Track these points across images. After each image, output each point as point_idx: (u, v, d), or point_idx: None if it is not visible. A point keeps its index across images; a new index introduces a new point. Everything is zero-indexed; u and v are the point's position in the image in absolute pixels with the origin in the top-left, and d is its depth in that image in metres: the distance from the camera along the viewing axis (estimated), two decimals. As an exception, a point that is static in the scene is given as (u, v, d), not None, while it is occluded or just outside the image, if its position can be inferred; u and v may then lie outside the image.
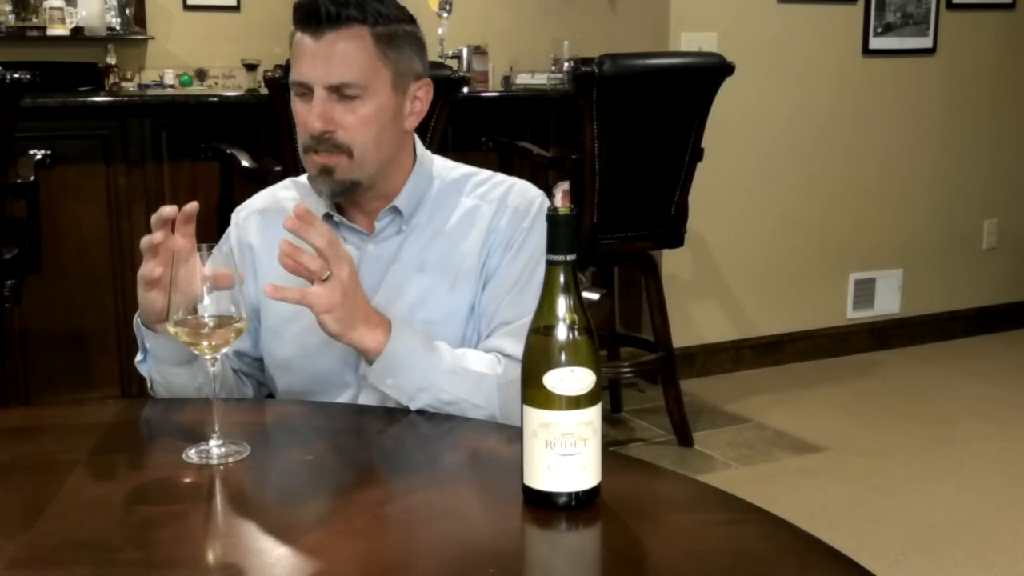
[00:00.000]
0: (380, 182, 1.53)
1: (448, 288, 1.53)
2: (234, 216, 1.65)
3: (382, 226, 1.56)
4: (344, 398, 1.52)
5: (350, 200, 1.55)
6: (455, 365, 1.42)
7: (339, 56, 1.44)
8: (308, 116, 1.46)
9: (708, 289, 4.14)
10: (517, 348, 1.43)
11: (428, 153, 1.62)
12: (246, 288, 1.54)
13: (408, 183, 1.56)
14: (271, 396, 1.61)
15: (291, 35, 1.49)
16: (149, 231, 1.31)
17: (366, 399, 1.48)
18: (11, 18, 6.17)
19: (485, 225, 1.54)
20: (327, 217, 1.56)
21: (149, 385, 1.51)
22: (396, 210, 1.55)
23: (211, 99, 3.89)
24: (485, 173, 1.61)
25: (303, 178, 1.64)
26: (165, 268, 1.31)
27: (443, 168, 1.62)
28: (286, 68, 1.55)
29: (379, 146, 1.49)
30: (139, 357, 1.50)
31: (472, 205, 1.56)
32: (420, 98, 1.55)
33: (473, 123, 3.77)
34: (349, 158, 1.48)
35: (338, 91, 1.45)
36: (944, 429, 3.58)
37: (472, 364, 1.43)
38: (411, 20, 1.52)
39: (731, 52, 3.34)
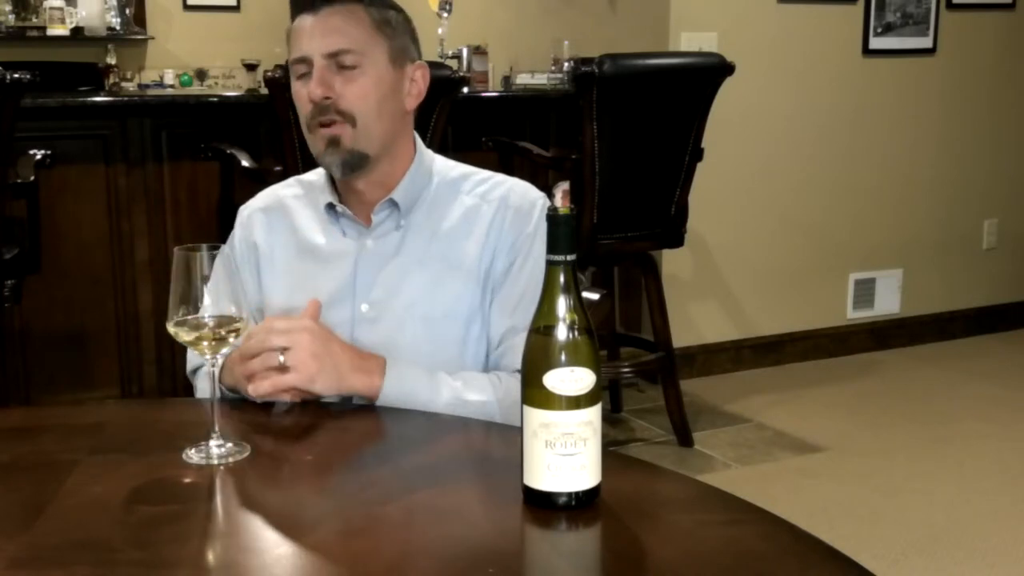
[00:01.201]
0: (384, 163, 1.54)
1: (448, 286, 1.53)
2: (238, 216, 1.66)
3: (379, 220, 1.56)
4: (331, 399, 1.52)
5: (350, 190, 1.56)
6: (454, 398, 1.43)
7: (336, 26, 1.49)
8: (308, 86, 1.49)
9: (708, 289, 4.14)
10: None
11: (429, 151, 1.63)
12: (248, 286, 1.55)
13: (407, 176, 1.57)
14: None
15: (288, 31, 1.52)
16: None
17: (356, 400, 1.49)
18: (11, 18, 6.16)
19: (486, 225, 1.55)
20: (330, 207, 1.57)
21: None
22: (393, 204, 1.56)
23: (211, 99, 3.89)
24: (485, 173, 1.62)
25: (307, 176, 1.64)
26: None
27: (443, 167, 1.62)
28: (286, 68, 1.57)
29: (381, 116, 1.51)
30: (201, 389, 1.54)
31: (472, 204, 1.57)
32: (417, 80, 1.58)
33: (473, 123, 3.77)
34: (353, 127, 1.50)
35: (336, 59, 1.48)
36: (944, 429, 3.58)
37: (472, 393, 1.44)
38: (402, 11, 1.57)
39: (731, 52, 3.34)
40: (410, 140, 1.60)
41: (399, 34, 1.54)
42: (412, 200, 1.57)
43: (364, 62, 1.49)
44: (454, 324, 1.53)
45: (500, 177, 1.61)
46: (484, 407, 1.43)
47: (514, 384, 1.45)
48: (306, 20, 1.50)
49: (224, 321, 1.21)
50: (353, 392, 1.40)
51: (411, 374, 1.43)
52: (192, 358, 1.59)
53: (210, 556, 1.01)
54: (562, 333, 1.03)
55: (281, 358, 1.34)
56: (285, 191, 1.65)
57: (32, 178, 2.78)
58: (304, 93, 1.50)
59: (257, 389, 1.34)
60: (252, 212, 1.64)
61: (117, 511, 1.08)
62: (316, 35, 1.48)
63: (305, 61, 1.49)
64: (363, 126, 1.50)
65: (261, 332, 1.37)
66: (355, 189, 1.56)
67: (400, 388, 1.41)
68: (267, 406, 1.52)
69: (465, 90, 3.75)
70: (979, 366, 4.30)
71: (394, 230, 1.56)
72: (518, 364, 1.45)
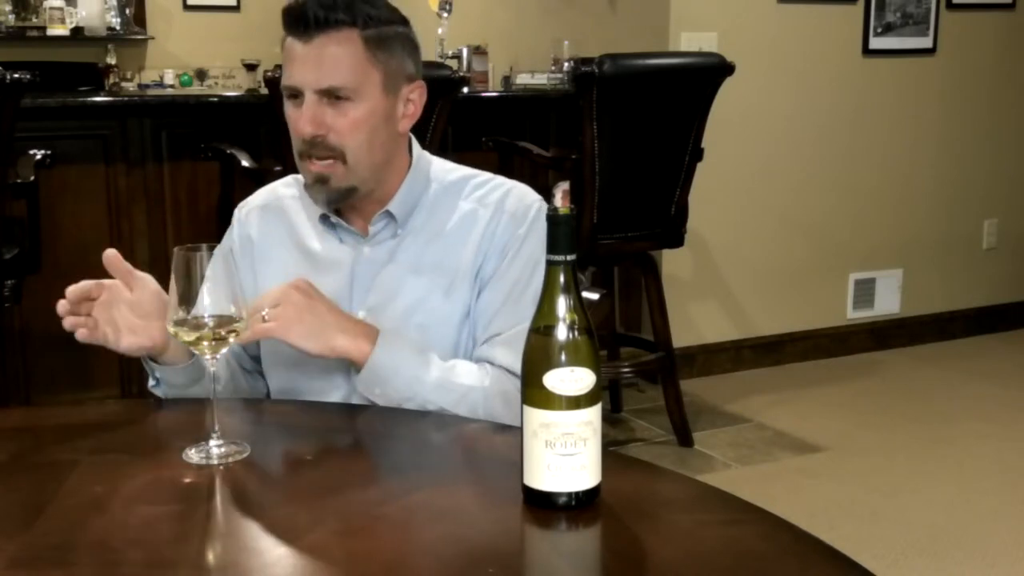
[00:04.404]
0: (375, 187, 1.53)
1: (443, 292, 1.52)
2: (236, 212, 1.66)
3: (376, 230, 1.55)
4: (334, 399, 1.52)
5: (345, 204, 1.55)
6: (442, 378, 1.43)
7: (328, 60, 1.44)
8: (299, 120, 1.47)
9: (708, 289, 4.14)
10: (508, 357, 1.44)
11: (426, 154, 1.62)
12: (244, 282, 1.55)
13: (403, 187, 1.55)
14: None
15: (282, 40, 1.49)
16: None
17: (358, 400, 1.48)
18: (11, 18, 6.17)
19: (481, 229, 1.53)
20: (324, 218, 1.56)
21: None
22: (390, 215, 1.55)
23: (211, 99, 3.90)
24: (484, 176, 1.60)
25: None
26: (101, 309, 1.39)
27: (441, 170, 1.61)
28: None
29: (372, 149, 1.49)
30: (152, 383, 1.52)
31: (469, 209, 1.56)
32: (413, 100, 1.54)
33: (473, 123, 3.77)
34: (343, 163, 1.48)
35: (328, 94, 1.45)
36: (944, 429, 3.58)
37: (460, 376, 1.44)
38: (403, 22, 1.52)
39: (731, 52, 3.34)
40: (404, 153, 1.58)
41: (395, 55, 1.49)
42: (409, 209, 1.56)
43: (356, 96, 1.46)
44: (448, 329, 1.52)
45: (499, 180, 1.59)
46: (470, 392, 1.43)
47: (501, 376, 1.45)
48: (297, 47, 1.45)
49: (224, 321, 1.21)
50: (338, 354, 1.40)
51: (402, 348, 1.43)
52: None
53: (210, 556, 1.01)
54: (562, 333, 1.03)
55: (265, 313, 1.36)
56: (284, 190, 1.64)
57: (32, 178, 2.78)
58: (295, 119, 1.48)
59: (239, 336, 1.31)
60: (250, 210, 1.64)
61: (117, 511, 1.08)
62: (308, 67, 1.45)
63: (296, 90, 1.47)
64: (353, 162, 1.48)
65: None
66: (351, 204, 1.55)
67: (390, 359, 1.40)
68: (267, 406, 1.53)
69: (465, 90, 3.75)
70: (979, 366, 4.30)
71: (391, 238, 1.56)
72: (499, 359, 1.46)
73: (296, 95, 1.48)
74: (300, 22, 1.44)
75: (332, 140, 1.47)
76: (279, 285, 1.40)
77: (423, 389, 1.41)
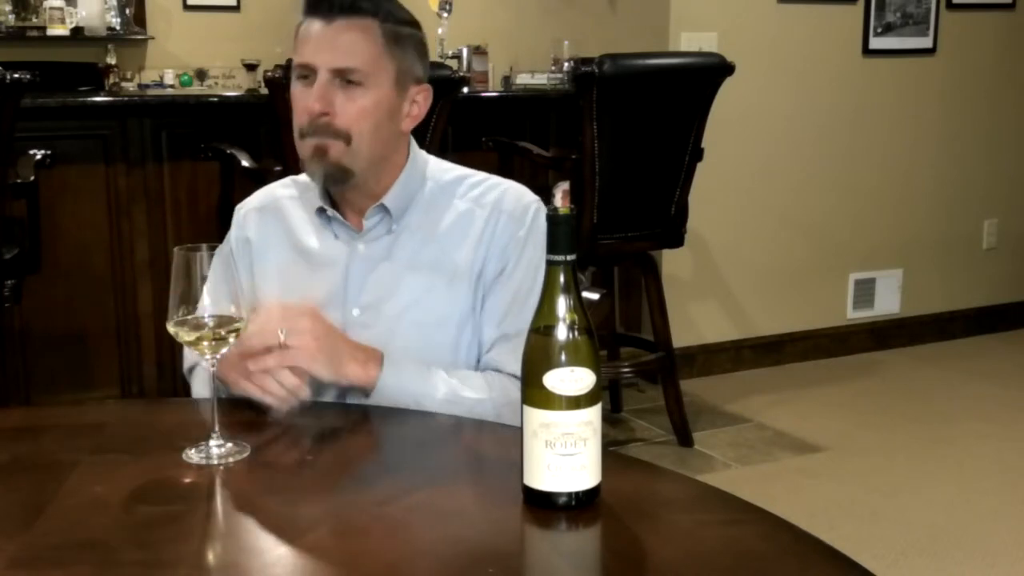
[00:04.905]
0: (371, 180, 1.53)
1: (441, 291, 1.52)
2: (235, 214, 1.66)
3: (371, 225, 1.56)
4: (328, 397, 1.52)
5: (340, 195, 1.56)
6: (450, 394, 1.44)
7: (347, 42, 1.46)
8: (307, 99, 1.47)
9: (708, 289, 4.14)
10: (514, 365, 1.44)
11: (423, 153, 1.62)
12: (242, 283, 1.55)
13: (398, 182, 1.56)
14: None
15: (298, 25, 1.50)
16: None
17: (352, 398, 1.49)
18: (11, 18, 6.16)
19: (479, 230, 1.54)
20: (320, 211, 1.57)
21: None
22: (385, 209, 1.55)
23: (211, 99, 3.89)
24: (479, 175, 1.61)
25: (303, 176, 1.64)
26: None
27: (437, 169, 1.61)
28: (286, 68, 1.57)
29: (375, 138, 1.50)
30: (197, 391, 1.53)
31: (466, 208, 1.56)
32: (418, 102, 1.56)
33: (473, 123, 3.77)
34: (346, 144, 1.48)
35: (341, 76, 1.46)
36: (944, 429, 3.58)
37: (467, 391, 1.45)
38: (417, 25, 1.55)
39: (731, 52, 3.34)
40: (403, 153, 1.58)
41: (408, 53, 1.52)
42: (404, 205, 1.56)
43: (368, 81, 1.47)
44: (446, 330, 1.52)
45: (495, 180, 1.60)
46: (478, 405, 1.44)
47: (508, 384, 1.46)
48: (316, 27, 1.47)
49: (224, 321, 1.21)
50: (348, 382, 1.41)
51: (408, 368, 1.43)
52: (188, 355, 1.58)
53: (210, 556, 1.01)
54: (562, 333, 1.03)
55: (282, 336, 1.34)
56: (281, 191, 1.65)
57: (32, 178, 2.78)
58: (302, 99, 1.49)
59: (260, 363, 1.32)
60: (248, 211, 1.65)
61: (117, 511, 1.08)
62: (324, 47, 1.46)
63: (309, 68, 1.48)
64: (356, 146, 1.49)
65: (262, 314, 1.36)
66: (344, 196, 1.56)
67: (397, 381, 1.41)
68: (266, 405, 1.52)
69: (465, 90, 3.75)
70: (979, 366, 4.30)
71: (386, 234, 1.56)
72: (507, 367, 1.46)
73: (306, 75, 1.49)
74: (324, 3, 1.47)
75: (337, 123, 1.48)
76: (283, 308, 1.38)
77: (431, 406, 1.42)
